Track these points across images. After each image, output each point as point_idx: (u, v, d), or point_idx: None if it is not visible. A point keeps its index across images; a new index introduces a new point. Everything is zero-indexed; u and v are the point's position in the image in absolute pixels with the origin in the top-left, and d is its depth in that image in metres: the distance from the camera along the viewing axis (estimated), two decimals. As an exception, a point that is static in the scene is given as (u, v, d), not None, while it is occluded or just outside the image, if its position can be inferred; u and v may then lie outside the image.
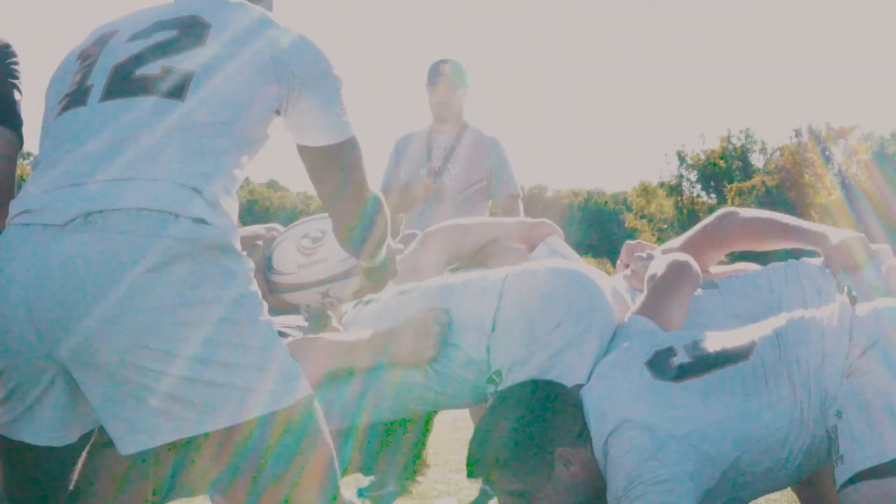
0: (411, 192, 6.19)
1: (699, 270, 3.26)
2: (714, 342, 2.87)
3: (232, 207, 2.28)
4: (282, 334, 3.10)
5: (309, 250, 3.25)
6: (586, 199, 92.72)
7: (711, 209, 46.65)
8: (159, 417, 2.14)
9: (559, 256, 3.66)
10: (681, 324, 3.12)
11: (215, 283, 2.18)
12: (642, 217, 68.06)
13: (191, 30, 2.37)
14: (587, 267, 3.28)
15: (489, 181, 6.18)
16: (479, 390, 3.12)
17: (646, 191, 69.34)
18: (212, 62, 2.32)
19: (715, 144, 68.54)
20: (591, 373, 2.93)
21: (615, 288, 3.28)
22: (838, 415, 2.64)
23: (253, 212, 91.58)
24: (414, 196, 6.18)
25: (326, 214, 2.88)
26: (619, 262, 3.89)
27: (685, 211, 65.27)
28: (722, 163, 67.43)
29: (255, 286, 2.28)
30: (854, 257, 3.16)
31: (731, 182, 64.86)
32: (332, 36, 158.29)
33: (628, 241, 3.87)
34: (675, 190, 68.50)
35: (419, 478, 5.57)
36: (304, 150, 2.48)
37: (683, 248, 3.53)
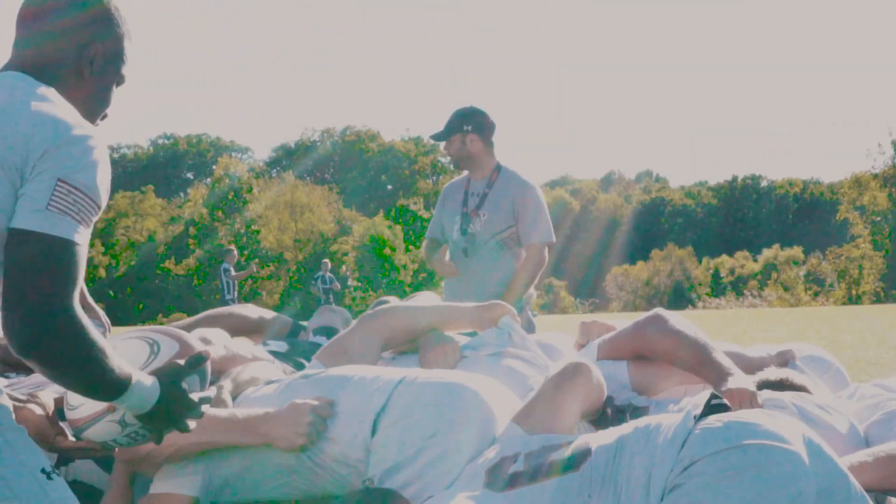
0: (441, 270, 6.13)
1: (598, 378, 3.14)
2: (556, 450, 2.76)
3: None
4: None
5: None
6: (802, 189, 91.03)
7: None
8: None
9: (508, 338, 3.67)
10: (569, 426, 3.00)
11: None
12: (855, 209, 66.51)
13: None
14: (483, 380, 3.18)
15: (518, 227, 5.95)
16: (348, 489, 3.06)
17: (858, 182, 66.77)
18: None
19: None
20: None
21: (509, 394, 3.21)
22: None
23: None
24: (445, 272, 6.11)
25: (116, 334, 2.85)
26: (575, 341, 3.97)
27: (901, 203, 62.64)
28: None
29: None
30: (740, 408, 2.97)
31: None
32: (331, 36, 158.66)
33: (583, 322, 4.02)
34: (889, 181, 65.45)
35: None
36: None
37: (612, 342, 3.62)
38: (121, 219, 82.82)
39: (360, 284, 70.72)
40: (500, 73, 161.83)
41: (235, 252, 23.14)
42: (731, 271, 76.38)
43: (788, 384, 3.38)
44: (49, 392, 3.30)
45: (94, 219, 2.44)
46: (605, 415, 3.31)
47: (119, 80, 2.73)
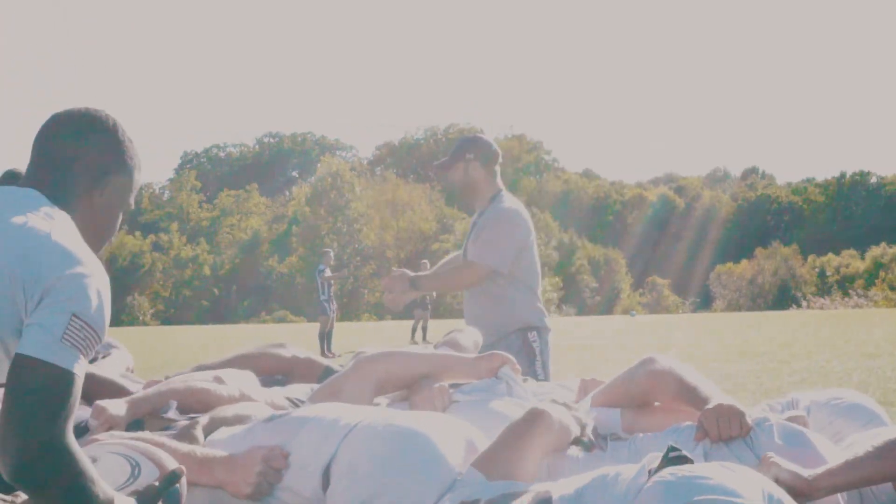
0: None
1: (562, 422, 3.09)
2: (517, 497, 2.72)
3: None
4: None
5: None
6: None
7: None
8: None
9: (506, 388, 3.64)
10: (530, 473, 2.95)
11: None
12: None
13: None
14: (445, 422, 3.12)
15: None
16: None
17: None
18: None
19: None
20: None
21: (476, 435, 3.14)
22: None
23: (567, 203, 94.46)
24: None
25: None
26: (576, 396, 3.91)
27: None
28: None
29: None
30: (724, 428, 3.01)
31: None
32: (436, 33, 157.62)
33: (583, 379, 3.98)
34: None
35: None
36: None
37: (605, 390, 3.60)
38: (225, 217, 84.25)
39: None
40: (606, 70, 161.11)
41: (331, 253, 23.36)
42: (837, 270, 75.02)
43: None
44: None
45: (94, 351, 2.50)
46: (587, 442, 3.26)
47: (126, 208, 2.81)
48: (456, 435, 3.07)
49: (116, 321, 65.32)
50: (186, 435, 3.26)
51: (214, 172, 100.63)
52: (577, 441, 3.23)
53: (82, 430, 3.30)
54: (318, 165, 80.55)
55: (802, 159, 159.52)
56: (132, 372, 4.74)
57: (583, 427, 3.26)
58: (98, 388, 3.88)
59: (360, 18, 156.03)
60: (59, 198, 2.61)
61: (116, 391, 3.84)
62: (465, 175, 6.04)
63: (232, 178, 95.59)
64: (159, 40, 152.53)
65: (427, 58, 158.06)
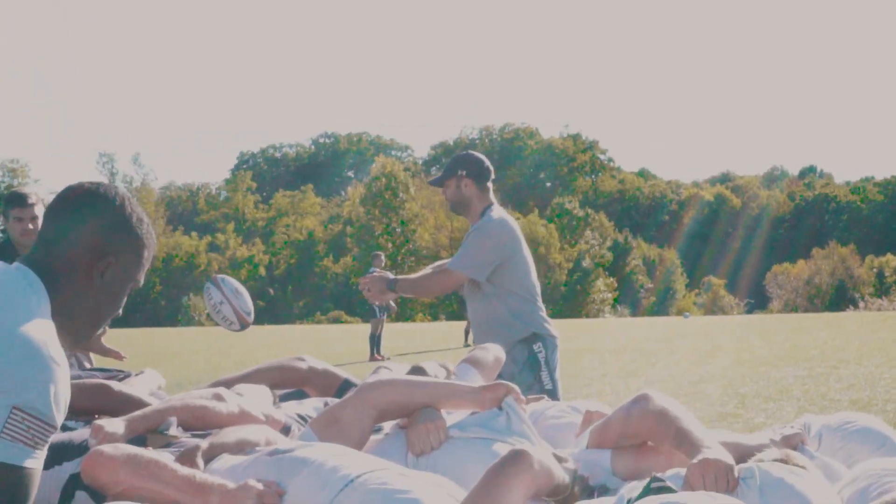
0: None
1: (543, 463, 3.06)
2: None
3: None
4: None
5: None
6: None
7: None
8: None
9: (507, 420, 3.62)
10: None
11: None
12: None
13: None
14: (441, 487, 3.06)
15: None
16: None
17: None
18: None
19: None
20: None
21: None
22: None
23: (622, 202, 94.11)
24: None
25: None
26: (578, 429, 3.92)
27: None
28: None
29: None
30: (710, 484, 2.98)
31: None
32: (492, 33, 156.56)
33: (588, 410, 3.95)
34: None
35: None
36: None
37: (601, 428, 3.57)
38: (281, 217, 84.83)
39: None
40: (663, 68, 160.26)
41: (382, 256, 23.43)
42: (896, 270, 74.20)
43: (790, 464, 3.17)
44: None
45: (51, 436, 2.42)
46: (573, 495, 3.21)
47: (134, 285, 2.76)
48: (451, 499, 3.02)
49: (172, 322, 66.16)
50: (188, 458, 3.25)
51: (270, 173, 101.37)
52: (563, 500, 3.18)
53: (84, 450, 3.32)
54: (372, 166, 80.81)
55: (861, 158, 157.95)
56: (162, 390, 4.83)
57: (570, 485, 3.21)
58: (124, 406, 3.97)
59: (416, 19, 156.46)
60: (55, 277, 2.56)
61: (141, 408, 3.90)
62: (456, 191, 6.12)
63: (288, 178, 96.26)
64: (218, 42, 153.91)
65: (483, 57, 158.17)
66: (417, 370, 4.39)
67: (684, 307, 69.79)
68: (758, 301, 75.01)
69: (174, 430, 3.55)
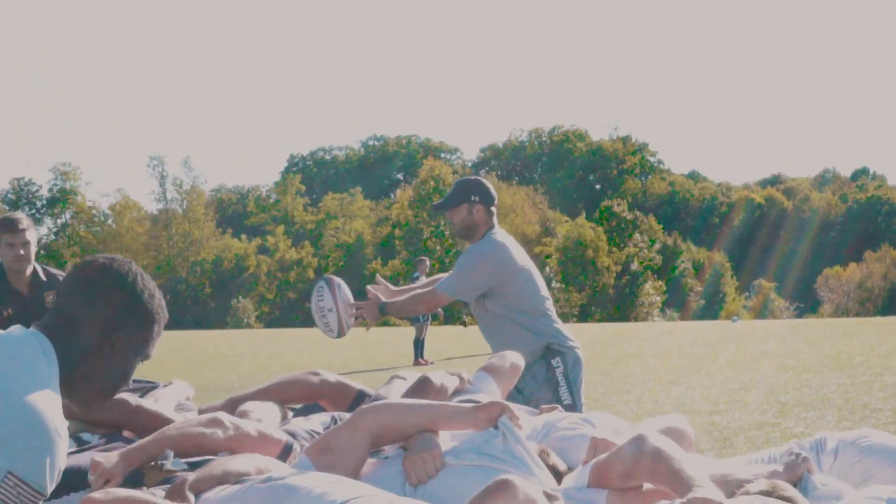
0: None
1: (527, 495, 3.05)
2: None
3: None
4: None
5: None
6: None
7: None
8: None
9: (502, 440, 3.62)
10: None
11: None
12: None
13: None
14: None
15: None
16: None
17: None
18: None
19: None
20: None
21: None
22: None
23: (672, 204, 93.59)
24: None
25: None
26: (584, 456, 3.93)
27: None
28: None
29: None
30: None
31: None
32: (541, 35, 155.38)
33: (593, 437, 3.98)
34: None
35: None
36: None
37: (601, 465, 3.58)
38: (330, 220, 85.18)
39: (563, 286, 70.77)
40: (713, 70, 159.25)
41: (427, 261, 23.46)
42: (951, 274, 73.33)
43: (775, 496, 3.25)
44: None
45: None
46: None
47: (144, 358, 2.82)
48: None
49: (221, 324, 66.63)
50: (176, 494, 3.27)
51: (319, 175, 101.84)
52: None
53: (84, 479, 3.42)
54: (420, 169, 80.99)
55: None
56: (190, 400, 4.89)
57: None
58: (143, 420, 4.02)
59: (467, 22, 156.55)
60: (67, 347, 2.64)
61: (163, 424, 3.95)
62: (467, 216, 6.22)
63: (337, 180, 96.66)
64: (269, 46, 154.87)
65: (533, 59, 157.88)
66: (423, 381, 4.43)
67: (734, 311, 69.27)
68: (808, 305, 74.39)
69: (170, 465, 3.59)
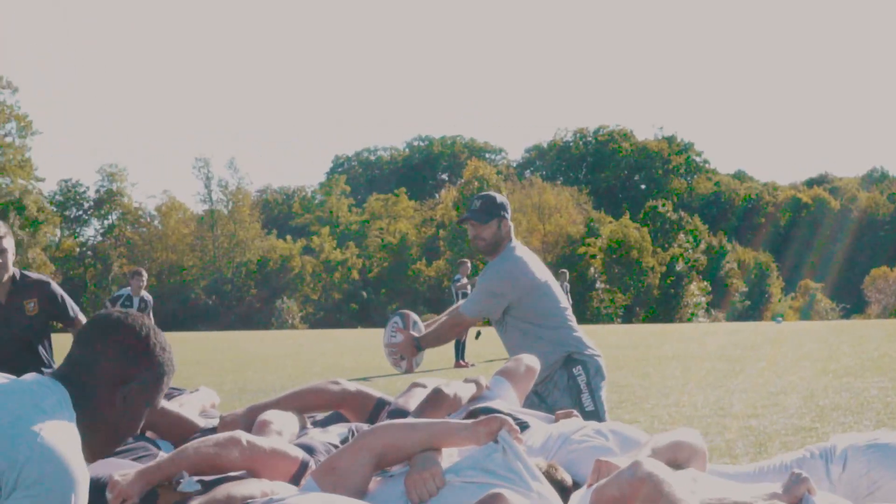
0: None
1: None
2: None
3: None
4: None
5: None
6: None
7: None
8: None
9: (502, 454, 3.66)
10: None
11: None
12: None
13: None
14: None
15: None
16: None
17: None
18: None
19: None
20: None
21: None
22: None
23: (718, 204, 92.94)
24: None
25: None
26: (588, 478, 3.96)
27: None
28: None
29: None
30: None
31: None
32: (585, 35, 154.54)
33: (598, 459, 3.96)
34: None
35: None
36: None
37: (601, 490, 3.58)
38: (374, 221, 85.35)
39: (607, 287, 70.55)
40: (759, 69, 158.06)
41: (469, 263, 23.50)
42: None
43: None
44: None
45: None
46: None
47: (153, 408, 2.93)
48: None
49: (266, 325, 66.91)
50: None
51: (364, 176, 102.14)
52: None
53: (102, 494, 3.51)
54: (465, 169, 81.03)
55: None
56: (214, 407, 4.98)
57: None
58: (169, 421, 4.13)
59: (512, 22, 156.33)
60: (80, 395, 2.75)
61: (185, 427, 4.04)
62: (497, 232, 6.30)
63: (382, 181, 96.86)
64: (314, 47, 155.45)
65: (578, 59, 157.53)
66: (436, 393, 4.52)
67: (778, 311, 68.74)
68: (856, 305, 73.70)
69: (185, 486, 3.66)
